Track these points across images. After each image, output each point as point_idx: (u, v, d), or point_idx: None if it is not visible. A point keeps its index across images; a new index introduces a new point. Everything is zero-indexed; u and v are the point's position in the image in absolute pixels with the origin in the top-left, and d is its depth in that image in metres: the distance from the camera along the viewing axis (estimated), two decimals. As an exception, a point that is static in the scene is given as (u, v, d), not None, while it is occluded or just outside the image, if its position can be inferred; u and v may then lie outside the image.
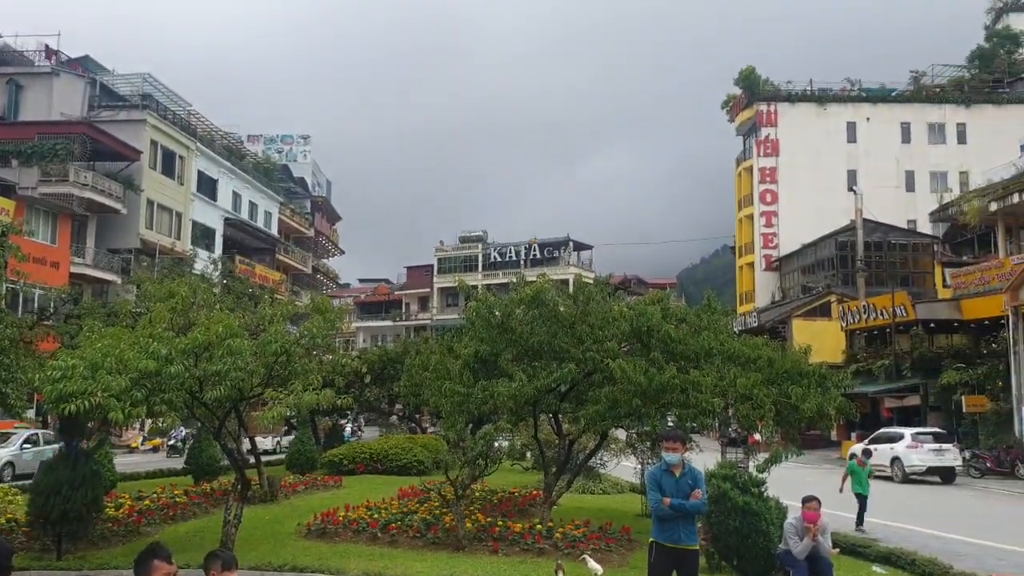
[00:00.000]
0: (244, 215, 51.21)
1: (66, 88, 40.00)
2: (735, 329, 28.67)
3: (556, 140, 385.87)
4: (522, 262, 71.99)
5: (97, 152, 37.10)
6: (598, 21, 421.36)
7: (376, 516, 12.63)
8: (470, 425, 14.50)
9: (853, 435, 33.12)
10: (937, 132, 56.43)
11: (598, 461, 19.40)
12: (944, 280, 41.07)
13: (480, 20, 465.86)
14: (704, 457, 12.58)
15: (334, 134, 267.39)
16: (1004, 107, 56.06)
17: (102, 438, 18.44)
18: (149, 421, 25.04)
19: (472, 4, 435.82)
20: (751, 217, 57.54)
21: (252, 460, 18.18)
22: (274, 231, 56.05)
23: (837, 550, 10.11)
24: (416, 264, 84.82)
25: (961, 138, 56.00)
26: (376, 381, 28.64)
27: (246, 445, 19.28)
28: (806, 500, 8.73)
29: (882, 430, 28.06)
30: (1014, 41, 61.63)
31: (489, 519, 12.38)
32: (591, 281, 17.23)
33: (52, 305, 25.90)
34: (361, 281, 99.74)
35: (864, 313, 37.08)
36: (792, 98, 57.30)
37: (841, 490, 15.30)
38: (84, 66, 43.51)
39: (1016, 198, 33.65)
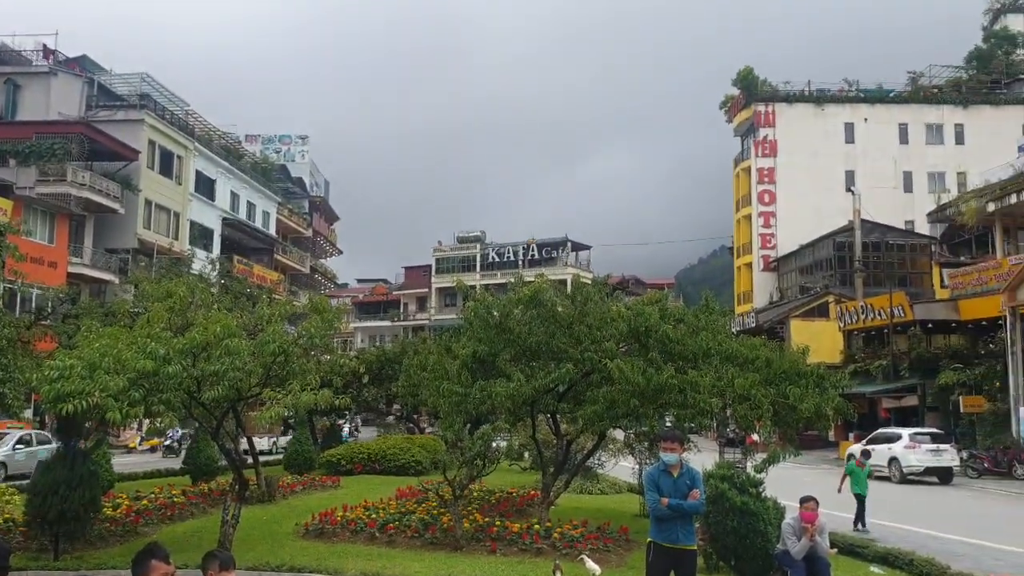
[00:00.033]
0: (242, 215, 51.18)
1: (64, 88, 39.96)
2: (733, 329, 28.66)
3: (556, 140, 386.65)
4: (520, 262, 72.00)
5: (95, 152, 37.05)
6: (598, 21, 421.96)
7: (374, 516, 12.62)
8: (468, 425, 14.50)
9: (851, 435, 33.14)
10: (935, 133, 56.49)
11: (596, 461, 19.42)
12: (942, 280, 41.12)
13: (480, 20, 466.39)
14: (702, 457, 12.59)
15: (334, 134, 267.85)
16: (1002, 108, 56.12)
17: (100, 438, 18.43)
18: (147, 421, 25.01)
19: (472, 4, 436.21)
20: (749, 217, 57.56)
21: (250, 460, 18.19)
22: (272, 231, 56.03)
23: (835, 550, 10.13)
24: (414, 264, 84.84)
25: (959, 139, 56.05)
26: (374, 381, 28.65)
27: (244, 445, 19.30)
28: (804, 500, 8.74)
29: (880, 430, 28.10)
30: (1012, 42, 61.72)
31: (487, 519, 12.38)
32: (589, 281, 17.22)
33: (50, 305, 25.92)
34: (359, 281, 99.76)
35: (862, 313, 37.12)
36: (790, 99, 57.33)
37: (840, 490, 15.32)
38: (82, 66, 43.49)
39: (1014, 198, 33.69)
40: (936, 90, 58.14)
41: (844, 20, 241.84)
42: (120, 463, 23.38)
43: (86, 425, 16.64)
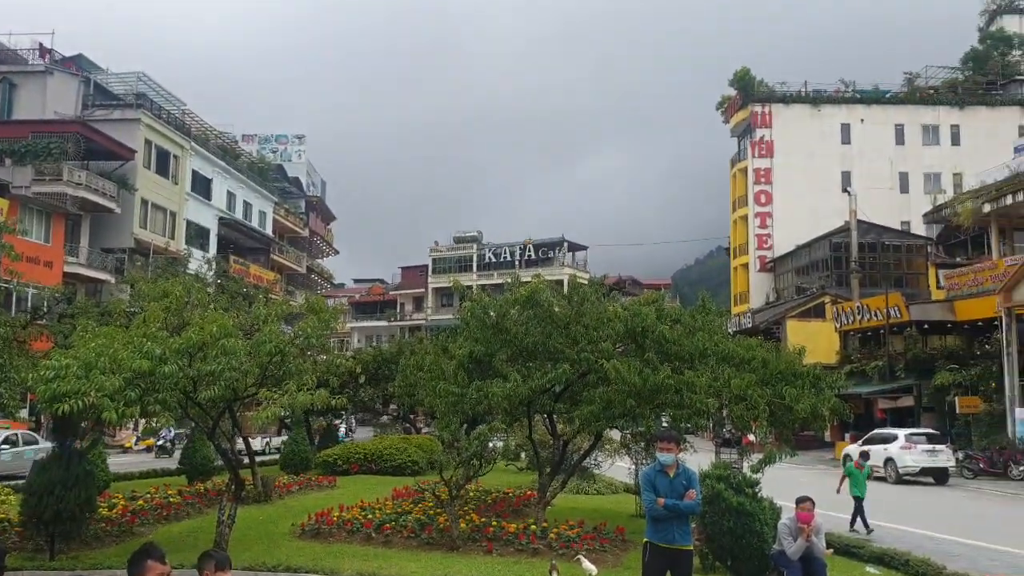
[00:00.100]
0: (238, 215, 51.10)
1: (60, 87, 39.89)
2: (729, 330, 28.68)
3: (553, 139, 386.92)
4: (517, 262, 71.99)
5: (91, 151, 37.01)
6: (596, 20, 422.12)
7: (370, 516, 12.61)
8: (465, 425, 14.47)
9: (847, 436, 33.19)
10: (931, 134, 56.62)
11: (592, 461, 19.43)
12: (938, 281, 41.18)
13: (479, 19, 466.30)
14: (698, 458, 12.59)
15: (333, 134, 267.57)
16: (997, 109, 56.28)
17: (95, 438, 18.32)
18: (143, 421, 24.94)
19: (471, 4, 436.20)
20: (745, 218, 57.64)
21: (246, 460, 18.17)
22: (269, 231, 55.95)
23: (831, 551, 10.13)
24: (411, 264, 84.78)
25: (955, 140, 56.19)
26: (371, 381, 28.65)
27: (240, 445, 19.27)
28: (800, 501, 8.75)
29: (876, 431, 28.15)
30: (1007, 43, 61.86)
31: (483, 519, 12.37)
32: (586, 282, 17.24)
33: (46, 304, 25.87)
34: (356, 281, 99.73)
35: (858, 314, 37.16)
36: (786, 99, 57.45)
37: (839, 491, 15.35)
38: (78, 65, 43.39)
39: (1009, 199, 33.80)
40: (932, 91, 58.31)
41: (841, 20, 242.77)
42: (116, 463, 23.30)
43: (82, 425, 16.59)
